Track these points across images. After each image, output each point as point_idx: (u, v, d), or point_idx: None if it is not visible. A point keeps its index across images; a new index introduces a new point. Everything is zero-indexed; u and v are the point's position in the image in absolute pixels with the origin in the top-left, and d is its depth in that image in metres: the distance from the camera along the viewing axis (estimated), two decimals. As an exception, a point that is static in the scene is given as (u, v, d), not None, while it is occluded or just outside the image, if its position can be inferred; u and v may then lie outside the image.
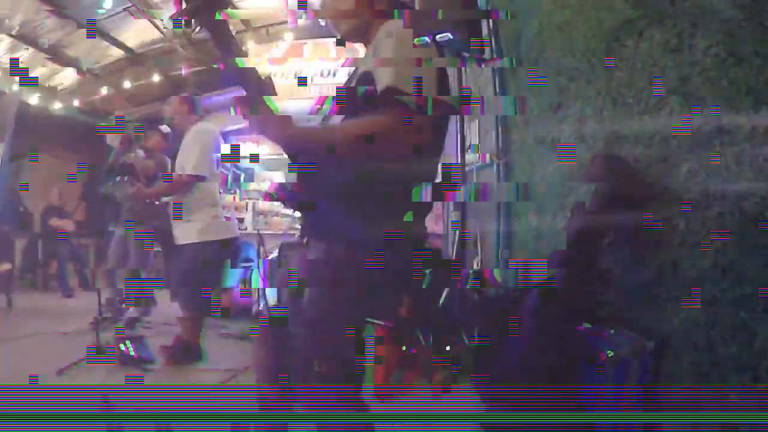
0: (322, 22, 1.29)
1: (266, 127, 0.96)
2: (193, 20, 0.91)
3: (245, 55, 1.00)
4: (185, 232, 2.69)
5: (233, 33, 0.95)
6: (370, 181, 0.98)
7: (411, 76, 0.93)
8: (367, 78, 1.01)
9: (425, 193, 1.08)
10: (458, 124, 2.42)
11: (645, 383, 1.40)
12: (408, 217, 1.08)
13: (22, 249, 6.36)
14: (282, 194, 1.08)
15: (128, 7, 4.77)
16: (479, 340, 2.13)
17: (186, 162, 2.67)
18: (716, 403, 1.28)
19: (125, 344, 2.71)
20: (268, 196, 1.09)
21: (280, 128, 0.95)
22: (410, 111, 0.90)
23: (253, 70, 0.98)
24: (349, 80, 1.17)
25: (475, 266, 2.71)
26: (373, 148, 0.92)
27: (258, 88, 0.97)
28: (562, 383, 1.42)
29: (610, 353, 1.37)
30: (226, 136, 4.75)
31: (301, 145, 0.99)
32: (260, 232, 4.62)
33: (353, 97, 1.04)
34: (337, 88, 1.15)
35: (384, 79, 0.93)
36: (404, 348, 2.19)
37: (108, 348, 2.71)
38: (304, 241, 1.20)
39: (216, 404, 1.97)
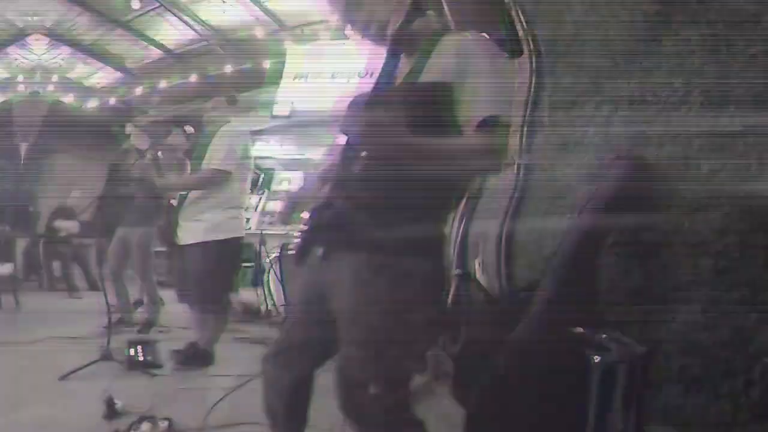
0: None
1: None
2: None
3: None
4: (192, 232, 2.68)
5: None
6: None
7: (503, 104, 0.99)
8: (437, 90, 1.00)
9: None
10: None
11: (634, 387, 1.39)
12: (435, 218, 1.09)
13: (23, 250, 6.30)
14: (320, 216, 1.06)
15: (156, 7, 4.90)
16: (464, 345, 2.12)
17: (213, 158, 2.72)
18: (707, 408, 1.28)
19: (134, 348, 2.69)
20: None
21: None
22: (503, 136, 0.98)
23: None
24: (396, 89, 1.10)
25: (476, 266, 2.67)
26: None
27: None
28: (552, 387, 1.41)
29: (598, 358, 1.37)
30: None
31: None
32: (263, 231, 4.54)
33: (415, 106, 0.99)
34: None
35: (481, 107, 0.96)
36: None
37: (116, 352, 2.65)
38: (320, 252, 1.11)
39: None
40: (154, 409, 1.95)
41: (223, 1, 4.83)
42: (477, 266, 2.62)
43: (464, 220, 2.42)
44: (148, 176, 3.06)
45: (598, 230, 1.61)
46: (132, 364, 2.60)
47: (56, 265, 5.90)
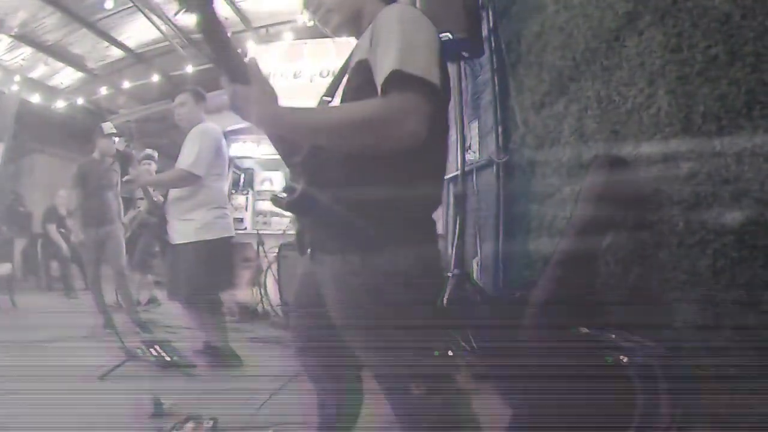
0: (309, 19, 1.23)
1: (245, 102, 0.89)
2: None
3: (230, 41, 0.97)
4: (183, 232, 2.68)
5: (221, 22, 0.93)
6: (375, 173, 0.91)
7: (418, 58, 0.87)
8: (363, 67, 0.94)
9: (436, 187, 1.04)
10: (457, 124, 2.42)
11: (648, 387, 1.38)
12: (421, 213, 1.02)
13: (22, 250, 6.33)
14: (287, 200, 0.96)
15: (129, 7, 4.76)
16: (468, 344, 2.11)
17: (184, 159, 2.66)
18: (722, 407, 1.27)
19: (154, 348, 2.65)
20: (275, 202, 0.99)
21: (259, 104, 0.87)
22: (419, 95, 0.84)
23: (233, 50, 0.95)
24: (342, 71, 1.09)
25: (474, 266, 2.70)
26: (379, 133, 0.84)
27: (239, 62, 0.92)
28: (562, 387, 1.40)
29: (609, 358, 1.37)
30: (226, 136, 4.75)
31: (296, 127, 0.90)
32: (259, 231, 4.62)
33: (352, 87, 0.99)
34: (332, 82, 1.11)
35: (388, 63, 0.85)
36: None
37: (138, 352, 2.64)
38: (308, 253, 1.08)
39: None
40: (199, 408, 1.90)
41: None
42: (475, 266, 2.62)
43: (458, 220, 2.40)
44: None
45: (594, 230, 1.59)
46: (163, 365, 2.56)
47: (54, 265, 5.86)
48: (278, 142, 1.00)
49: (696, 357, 1.39)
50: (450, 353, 2.14)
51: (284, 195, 0.96)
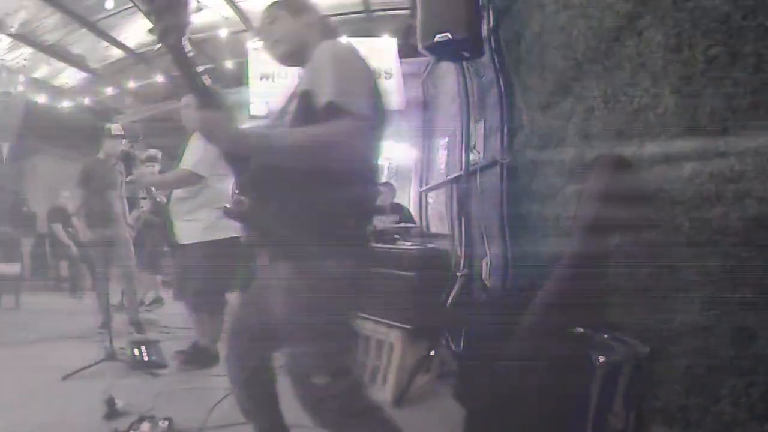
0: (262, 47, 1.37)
1: (211, 127, 1.03)
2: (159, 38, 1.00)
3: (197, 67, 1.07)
4: (189, 232, 2.70)
5: (190, 53, 1.02)
6: (314, 188, 1.06)
7: (349, 90, 1.04)
8: (307, 96, 1.09)
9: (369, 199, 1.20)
10: (463, 124, 2.42)
11: (637, 388, 1.40)
12: (358, 219, 1.16)
13: (29, 250, 6.37)
14: (235, 212, 1.11)
15: (129, 7, 4.77)
16: (468, 344, 2.13)
17: (188, 159, 2.68)
18: (711, 408, 1.27)
19: (138, 349, 2.71)
20: (227, 213, 1.13)
21: (222, 128, 1.02)
22: (351, 121, 1.01)
23: (201, 80, 1.06)
24: (290, 99, 1.22)
25: (484, 266, 2.70)
26: (317, 155, 1.03)
27: (205, 91, 1.04)
28: (554, 387, 1.40)
29: (602, 358, 1.37)
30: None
31: (244, 147, 1.05)
32: None
33: (297, 113, 1.12)
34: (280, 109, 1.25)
35: (324, 94, 1.03)
36: (424, 351, 2.19)
37: (120, 352, 2.69)
38: (259, 260, 1.23)
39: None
40: (156, 408, 1.97)
41: (198, 1, 4.69)
42: (484, 266, 2.63)
43: (464, 221, 2.40)
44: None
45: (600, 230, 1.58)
46: (136, 364, 2.60)
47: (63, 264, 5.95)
48: (232, 159, 1.13)
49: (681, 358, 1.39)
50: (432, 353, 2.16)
51: (232, 207, 1.11)
